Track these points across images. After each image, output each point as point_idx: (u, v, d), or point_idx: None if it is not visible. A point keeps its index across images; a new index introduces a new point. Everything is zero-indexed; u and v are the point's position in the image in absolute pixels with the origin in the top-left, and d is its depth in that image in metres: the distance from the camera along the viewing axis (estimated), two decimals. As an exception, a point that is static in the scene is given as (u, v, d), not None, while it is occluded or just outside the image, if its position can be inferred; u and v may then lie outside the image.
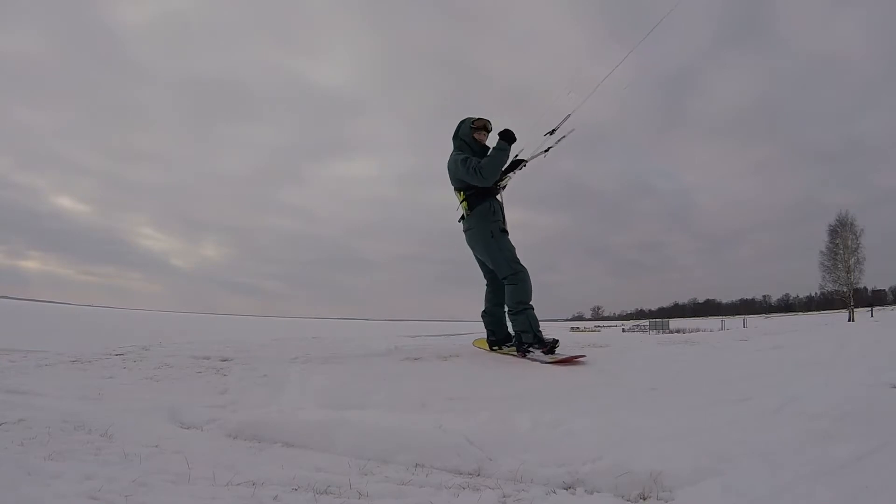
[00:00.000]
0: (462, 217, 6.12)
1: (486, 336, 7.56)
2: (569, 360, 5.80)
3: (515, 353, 6.27)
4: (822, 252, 40.77)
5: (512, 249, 5.88)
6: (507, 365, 6.78)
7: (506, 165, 5.74)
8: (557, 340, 6.03)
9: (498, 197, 6.11)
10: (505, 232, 5.94)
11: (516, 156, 5.95)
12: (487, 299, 6.67)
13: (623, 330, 35.65)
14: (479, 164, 5.59)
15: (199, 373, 8.59)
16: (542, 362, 5.94)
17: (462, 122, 6.00)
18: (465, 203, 5.93)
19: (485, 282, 6.63)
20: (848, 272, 38.98)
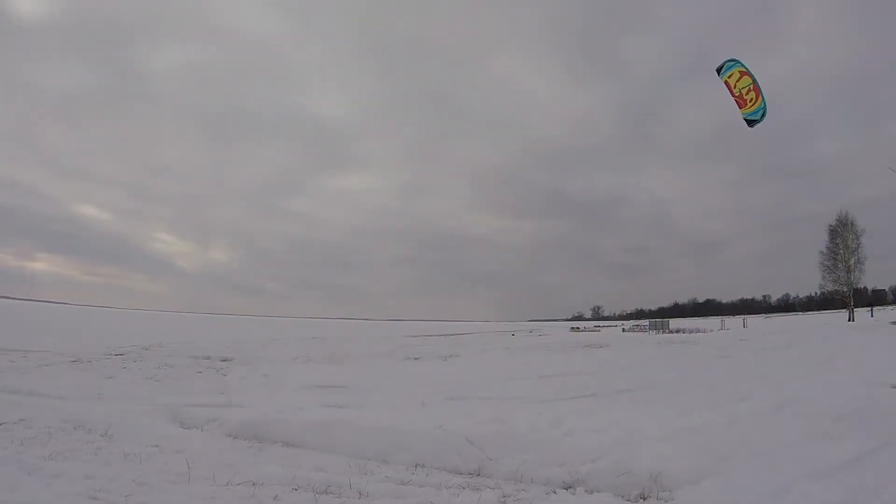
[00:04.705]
0: None
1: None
2: None
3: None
4: (822, 252, 40.70)
5: None
6: (507, 366, 6.79)
7: None
8: None
9: None
10: None
11: None
12: None
13: (623, 330, 35.59)
14: None
15: (199, 373, 8.59)
16: None
17: None
18: None
19: None
20: (848, 272, 38.93)
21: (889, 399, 3.54)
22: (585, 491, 2.80)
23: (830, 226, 39.95)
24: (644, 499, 2.68)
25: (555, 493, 2.80)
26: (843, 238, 38.60)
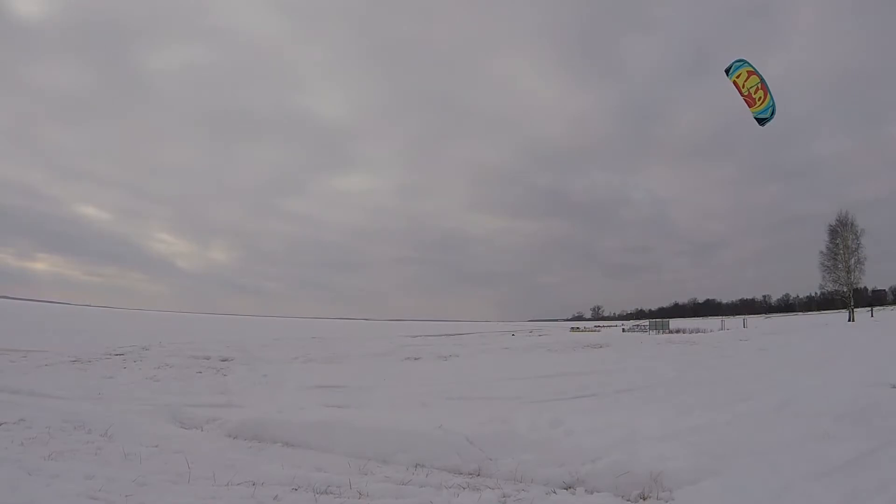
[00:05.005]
0: None
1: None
2: None
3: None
4: (822, 252, 40.71)
5: None
6: (507, 366, 6.79)
7: None
8: None
9: None
10: None
11: None
12: None
13: (623, 330, 35.57)
14: None
15: (199, 373, 8.59)
16: None
17: None
18: None
19: None
20: (848, 272, 38.94)
21: (889, 399, 3.54)
22: (585, 491, 2.80)
23: (830, 226, 40.01)
24: (644, 499, 2.68)
25: (555, 493, 2.80)
26: (843, 238, 38.64)
